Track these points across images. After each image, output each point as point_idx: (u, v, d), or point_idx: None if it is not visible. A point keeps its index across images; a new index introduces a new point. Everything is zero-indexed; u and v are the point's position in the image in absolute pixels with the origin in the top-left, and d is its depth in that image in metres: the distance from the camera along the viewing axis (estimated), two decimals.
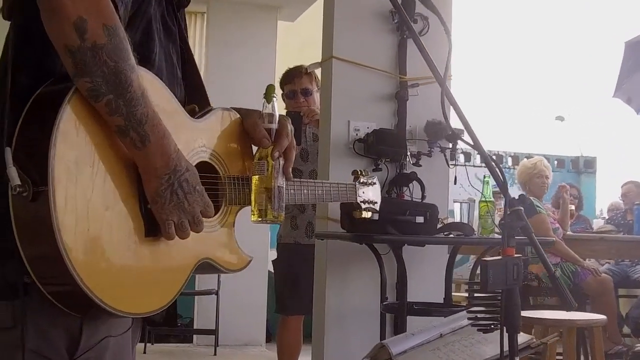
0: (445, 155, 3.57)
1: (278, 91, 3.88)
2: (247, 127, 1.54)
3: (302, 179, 1.65)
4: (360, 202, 1.85)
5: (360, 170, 1.91)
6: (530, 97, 10.09)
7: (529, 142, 9.69)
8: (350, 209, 1.96)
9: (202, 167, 1.44)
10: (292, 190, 1.59)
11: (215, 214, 1.44)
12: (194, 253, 1.42)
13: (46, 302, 1.22)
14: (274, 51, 6.67)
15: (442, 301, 3.34)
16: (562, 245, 5.66)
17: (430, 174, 3.54)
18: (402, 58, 3.59)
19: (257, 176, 1.51)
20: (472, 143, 1.79)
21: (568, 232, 6.07)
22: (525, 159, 6.62)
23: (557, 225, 5.88)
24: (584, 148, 10.00)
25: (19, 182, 1.16)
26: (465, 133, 1.76)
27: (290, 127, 1.55)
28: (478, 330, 1.83)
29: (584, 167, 9.99)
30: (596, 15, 10.14)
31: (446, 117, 1.85)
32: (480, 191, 3.30)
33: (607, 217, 7.85)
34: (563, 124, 10.09)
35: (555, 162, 9.57)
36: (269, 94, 1.53)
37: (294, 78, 4.10)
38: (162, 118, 1.29)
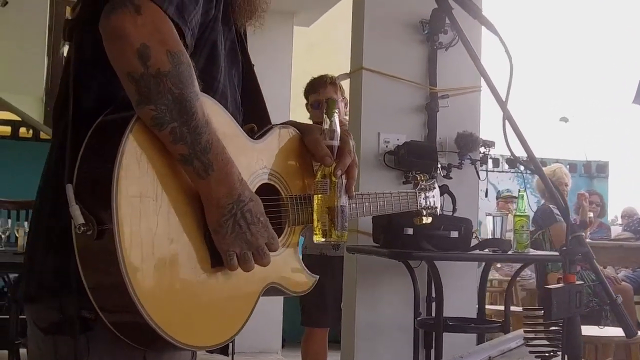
0: (475, 168, 3.53)
1: (300, 101, 3.82)
2: (308, 144, 1.50)
3: (362, 192, 1.60)
4: (421, 208, 1.81)
5: (420, 175, 1.87)
6: (536, 100, 10.08)
7: (538, 146, 9.67)
8: (387, 222, 1.91)
9: (264, 188, 1.41)
10: (353, 205, 1.55)
11: (279, 235, 1.40)
12: (260, 279, 1.38)
13: (108, 336, 1.19)
14: (290, 56, 6.62)
15: (474, 316, 3.30)
16: None
17: (460, 186, 3.50)
18: (432, 69, 3.55)
19: (319, 195, 1.47)
20: (533, 168, 1.75)
21: (587, 240, 6.01)
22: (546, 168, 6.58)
23: None
24: (590, 152, 9.97)
25: (83, 221, 1.14)
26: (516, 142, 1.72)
27: (352, 142, 1.51)
28: (537, 357, 1.79)
29: (596, 171, 9.96)
30: (607, 18, 10.10)
31: (509, 145, 1.78)
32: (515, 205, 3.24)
33: (622, 224, 7.80)
34: (568, 127, 10.06)
35: (567, 167, 9.52)
36: (330, 110, 1.48)
37: (319, 88, 4.05)
38: (222, 141, 1.25)
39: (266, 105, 1.56)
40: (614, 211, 9.15)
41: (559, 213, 5.62)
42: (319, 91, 4.04)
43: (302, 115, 4.02)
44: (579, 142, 9.90)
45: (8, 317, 5.24)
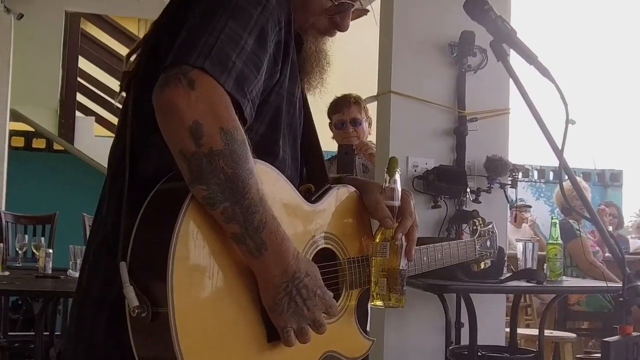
0: (505, 192, 3.49)
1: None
2: (368, 205, 1.47)
3: (419, 246, 1.54)
4: (480, 256, 1.78)
5: (477, 220, 1.83)
6: (544, 103, 9.97)
7: (550, 154, 9.53)
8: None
9: (321, 252, 1.37)
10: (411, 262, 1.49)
11: (336, 300, 1.35)
12: (317, 348, 1.35)
13: None
14: None
15: (502, 341, 3.27)
16: (602, 269, 5.56)
17: (489, 211, 3.46)
18: (460, 92, 3.51)
19: (378, 258, 1.42)
20: (588, 216, 1.71)
21: (607, 254, 5.97)
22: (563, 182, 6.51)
23: (597, 248, 5.78)
24: (600, 159, 9.91)
25: (137, 304, 1.11)
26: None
27: (412, 202, 1.47)
28: None
29: (610, 180, 9.90)
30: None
31: (564, 193, 1.74)
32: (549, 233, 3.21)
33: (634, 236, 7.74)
34: (577, 133, 9.99)
35: (581, 175, 9.49)
36: (392, 168, 1.44)
37: (343, 107, 3.99)
38: (279, 210, 1.22)
39: (324, 161, 1.52)
40: (628, 219, 9.09)
41: (579, 228, 5.59)
42: (343, 110, 3.99)
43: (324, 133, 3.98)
44: (588, 149, 9.84)
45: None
